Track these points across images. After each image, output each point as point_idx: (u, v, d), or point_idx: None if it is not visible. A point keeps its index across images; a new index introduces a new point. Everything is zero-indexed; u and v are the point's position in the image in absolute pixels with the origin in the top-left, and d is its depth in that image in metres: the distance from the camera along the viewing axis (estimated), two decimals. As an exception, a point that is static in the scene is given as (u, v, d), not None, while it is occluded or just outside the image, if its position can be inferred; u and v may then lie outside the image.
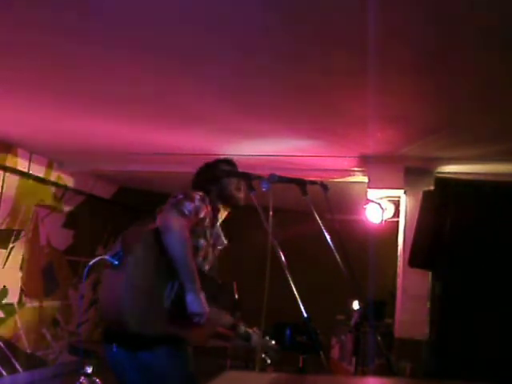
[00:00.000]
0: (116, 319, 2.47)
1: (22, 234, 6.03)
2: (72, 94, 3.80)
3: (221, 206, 2.87)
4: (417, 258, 4.13)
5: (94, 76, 3.41)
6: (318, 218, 2.75)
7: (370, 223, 5.13)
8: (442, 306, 4.26)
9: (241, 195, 2.89)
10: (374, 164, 4.86)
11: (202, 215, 2.63)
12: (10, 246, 5.87)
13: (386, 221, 5.15)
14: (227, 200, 2.88)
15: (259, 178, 2.58)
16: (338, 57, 2.89)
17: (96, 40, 2.87)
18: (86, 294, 6.67)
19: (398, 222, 5.11)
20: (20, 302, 6.08)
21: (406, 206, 4.95)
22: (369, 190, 4.95)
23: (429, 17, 2.42)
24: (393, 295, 5.18)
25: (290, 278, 2.36)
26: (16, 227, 5.94)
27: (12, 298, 5.95)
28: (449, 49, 2.71)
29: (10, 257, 5.88)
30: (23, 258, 6.07)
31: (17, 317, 6.02)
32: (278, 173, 2.61)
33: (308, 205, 2.74)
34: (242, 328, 2.96)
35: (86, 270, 2.63)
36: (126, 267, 2.43)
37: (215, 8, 2.45)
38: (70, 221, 6.83)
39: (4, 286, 5.81)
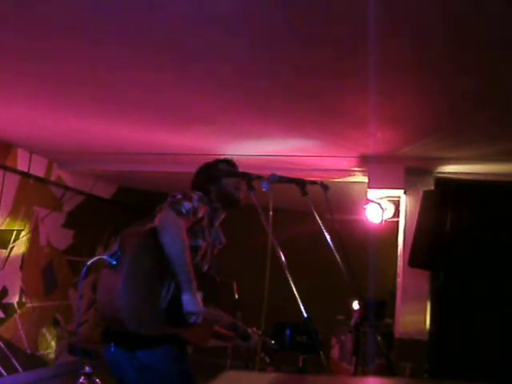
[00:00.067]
0: (113, 318, 2.48)
1: (22, 234, 6.03)
2: (72, 93, 3.79)
3: (220, 206, 2.87)
4: (417, 258, 4.14)
5: (94, 76, 3.41)
6: (318, 218, 2.75)
7: (370, 223, 5.13)
8: (442, 306, 4.27)
9: (240, 195, 2.89)
10: (374, 164, 4.86)
11: (200, 215, 2.63)
12: (10, 246, 5.88)
13: (386, 221, 5.15)
14: (227, 200, 2.88)
15: (259, 177, 2.58)
16: (338, 57, 2.89)
17: (96, 40, 2.87)
18: (85, 294, 6.67)
19: (397, 221, 5.11)
20: (20, 301, 6.08)
21: (406, 206, 4.95)
22: (369, 190, 4.95)
23: (429, 17, 2.42)
24: (393, 295, 5.18)
25: (290, 278, 2.36)
26: (16, 227, 5.94)
27: (12, 298, 5.95)
28: (449, 49, 2.71)
29: (10, 257, 5.88)
30: (23, 258, 6.07)
31: (17, 317, 6.03)
32: (278, 173, 2.61)
33: (308, 205, 2.74)
34: (242, 328, 2.96)
35: (84, 269, 2.63)
36: (124, 267, 2.44)
37: (216, 6, 2.45)
38: (70, 221, 6.84)
39: (4, 286, 5.82)
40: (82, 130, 4.75)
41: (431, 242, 3.98)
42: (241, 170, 2.98)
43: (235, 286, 4.98)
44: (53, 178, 6.21)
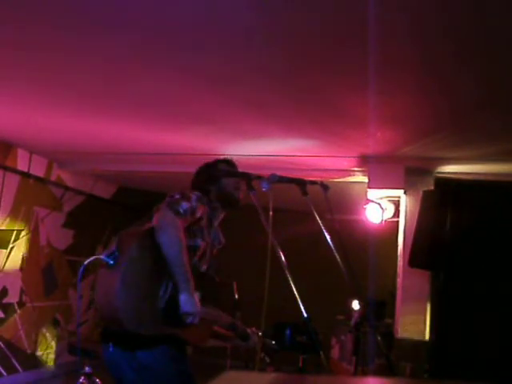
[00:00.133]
0: (111, 318, 2.48)
1: (22, 234, 6.03)
2: (72, 94, 3.79)
3: (220, 206, 2.87)
4: (417, 258, 4.14)
5: (94, 76, 3.41)
6: (318, 218, 2.75)
7: (370, 223, 5.13)
8: (441, 306, 4.27)
9: (240, 195, 2.89)
10: (374, 164, 4.86)
11: (198, 215, 2.63)
12: (10, 246, 5.88)
13: (386, 221, 5.15)
14: (226, 200, 2.88)
15: (259, 177, 2.58)
16: (338, 57, 2.89)
17: (96, 39, 2.87)
18: (85, 294, 6.66)
19: (398, 221, 5.11)
20: (20, 301, 6.08)
21: (406, 206, 4.95)
22: (369, 190, 4.95)
23: (429, 16, 2.42)
24: (393, 295, 5.19)
25: (289, 278, 2.36)
26: (16, 227, 5.94)
27: (12, 297, 5.95)
28: (449, 49, 2.71)
29: (10, 257, 5.88)
30: (23, 258, 6.07)
31: (17, 317, 6.03)
32: (278, 173, 2.60)
33: (308, 205, 2.74)
34: (241, 328, 2.96)
35: (81, 269, 2.62)
36: (121, 267, 2.43)
37: (215, 5, 2.45)
38: (70, 221, 6.84)
39: (4, 286, 5.82)
40: (82, 130, 4.75)
41: (431, 242, 3.98)
42: (241, 169, 2.98)
43: (235, 286, 4.98)
44: (53, 178, 6.21)
